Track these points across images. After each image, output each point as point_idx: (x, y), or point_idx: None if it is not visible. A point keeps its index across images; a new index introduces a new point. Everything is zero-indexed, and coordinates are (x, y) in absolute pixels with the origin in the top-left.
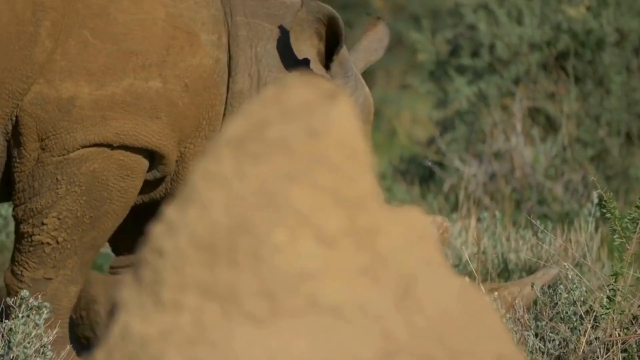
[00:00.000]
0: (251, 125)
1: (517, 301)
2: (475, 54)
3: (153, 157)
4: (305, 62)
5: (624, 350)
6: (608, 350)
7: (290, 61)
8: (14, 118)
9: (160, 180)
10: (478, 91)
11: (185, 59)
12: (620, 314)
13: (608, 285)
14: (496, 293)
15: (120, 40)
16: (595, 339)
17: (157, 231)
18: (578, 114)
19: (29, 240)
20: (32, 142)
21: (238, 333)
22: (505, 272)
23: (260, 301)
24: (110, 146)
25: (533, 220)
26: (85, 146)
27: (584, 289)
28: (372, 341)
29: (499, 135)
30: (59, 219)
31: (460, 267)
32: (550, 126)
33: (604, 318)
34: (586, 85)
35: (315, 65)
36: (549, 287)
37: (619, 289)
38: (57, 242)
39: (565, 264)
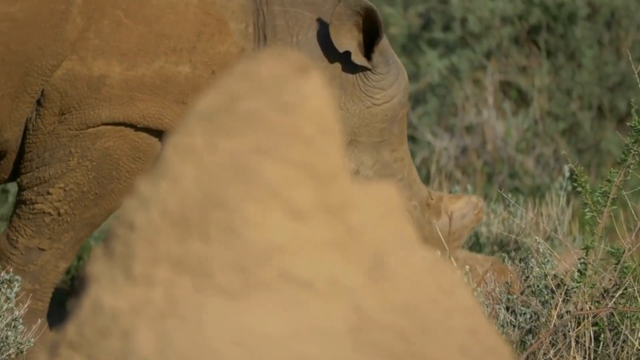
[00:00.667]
0: (223, 99)
1: (487, 275)
2: (447, 27)
3: None
4: (347, 54)
5: (595, 324)
6: (579, 323)
7: (332, 48)
8: (39, 94)
9: None
10: (450, 65)
11: (215, 46)
12: (591, 287)
13: (579, 259)
14: (467, 267)
15: (152, 22)
16: (566, 312)
17: (129, 205)
18: (550, 87)
19: (31, 207)
20: (51, 115)
21: (209, 306)
22: (476, 246)
23: (231, 274)
24: (133, 127)
25: (504, 194)
26: (108, 124)
27: (555, 262)
28: (343, 315)
29: (471, 109)
30: (65, 190)
31: None
32: (522, 100)
33: (575, 292)
34: (558, 59)
35: (357, 57)
36: (520, 260)
37: (590, 263)
38: (59, 214)
39: (537, 237)
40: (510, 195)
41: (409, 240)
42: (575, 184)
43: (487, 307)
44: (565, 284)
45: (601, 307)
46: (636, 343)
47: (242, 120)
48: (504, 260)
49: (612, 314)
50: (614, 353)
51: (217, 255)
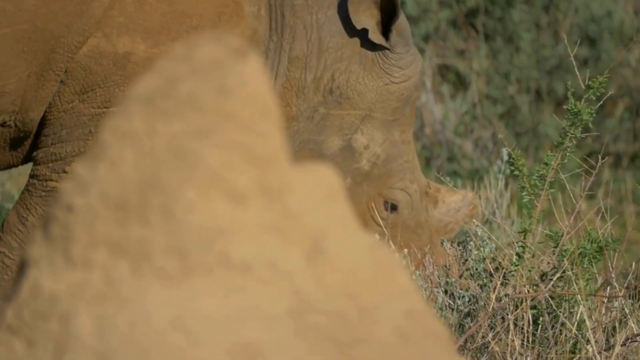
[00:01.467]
0: (162, 82)
1: (426, 258)
2: None
3: None
4: (365, 32)
5: (533, 307)
6: (517, 307)
7: (352, 26)
8: (64, 72)
9: None
10: None
11: (232, 28)
12: (529, 270)
13: (517, 242)
14: (405, 250)
15: (174, 1)
16: (505, 295)
17: (67, 187)
18: (488, 71)
19: (44, 184)
20: (72, 93)
21: (149, 290)
22: None
23: (171, 258)
24: None
25: (442, 178)
26: None
27: (494, 245)
28: (282, 298)
29: None
30: None
31: None
32: (460, 83)
33: (513, 275)
34: (496, 42)
35: (375, 35)
36: (458, 243)
37: (528, 246)
38: None
39: (475, 220)
40: (448, 178)
41: (348, 224)
42: (513, 168)
43: (425, 291)
44: (503, 268)
45: (539, 290)
46: (574, 326)
47: (181, 104)
48: (442, 243)
49: (550, 297)
50: (552, 336)
51: (156, 239)
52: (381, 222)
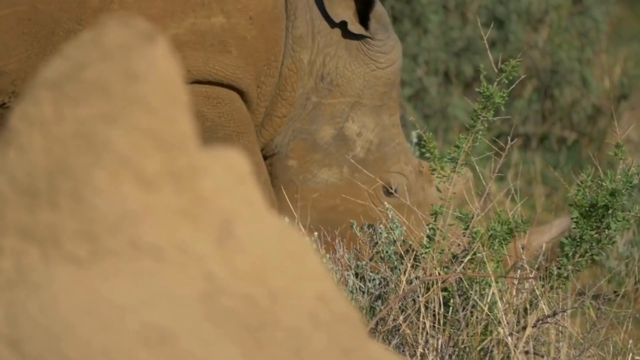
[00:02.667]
0: (69, 67)
1: (336, 241)
2: None
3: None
4: (345, 23)
5: (444, 289)
6: (428, 289)
7: None
8: None
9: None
10: None
11: (247, 1)
12: (440, 253)
13: (428, 225)
14: (316, 233)
15: None
16: (416, 278)
17: None
18: None
19: None
20: None
21: (59, 275)
22: None
23: (81, 243)
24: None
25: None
26: None
27: (404, 228)
28: (192, 282)
29: None
30: None
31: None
32: None
33: (423, 257)
34: (403, 24)
35: (354, 25)
36: (368, 226)
37: (438, 228)
38: None
39: (385, 203)
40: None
41: (257, 207)
42: (424, 150)
43: (336, 274)
44: (414, 250)
45: (450, 272)
46: (485, 308)
47: (89, 89)
48: (352, 226)
49: (461, 279)
50: (464, 318)
51: (66, 224)
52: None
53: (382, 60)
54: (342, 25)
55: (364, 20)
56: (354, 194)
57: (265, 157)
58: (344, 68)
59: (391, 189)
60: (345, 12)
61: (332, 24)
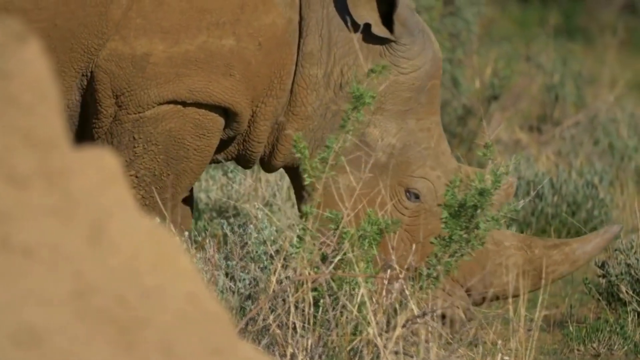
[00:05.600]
0: None
1: (207, 242)
2: None
3: (227, 115)
4: (369, 26)
5: (314, 289)
6: (298, 289)
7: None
8: (88, 74)
9: (232, 139)
10: None
11: (259, 17)
12: (310, 253)
13: (298, 225)
14: (187, 233)
15: None
16: (286, 278)
17: None
18: None
19: None
20: (107, 98)
21: None
22: (195, 212)
23: None
24: (184, 103)
25: (222, 160)
26: (160, 103)
27: (274, 228)
28: (64, 281)
29: None
30: (137, 177)
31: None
32: None
33: (294, 257)
34: None
35: (378, 27)
36: (239, 226)
37: (309, 229)
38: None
39: (255, 203)
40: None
41: (129, 207)
42: (294, 150)
43: (206, 273)
44: (284, 250)
45: (320, 272)
46: (355, 308)
47: None
48: (222, 227)
49: (331, 279)
50: (333, 318)
51: None
52: (405, 212)
53: (404, 66)
54: (366, 28)
55: (389, 23)
56: (374, 198)
57: (290, 168)
58: (363, 76)
59: (414, 193)
60: (370, 14)
61: (353, 32)
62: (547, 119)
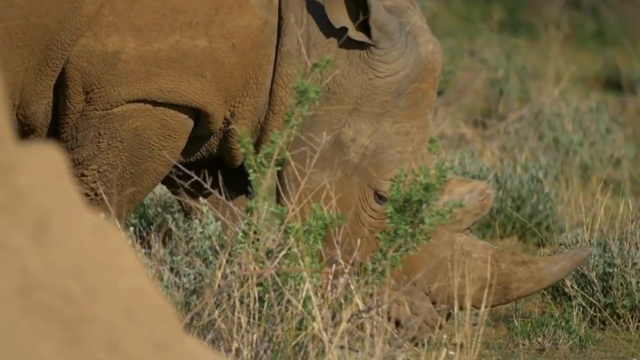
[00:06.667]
0: None
1: (152, 237)
2: None
3: (198, 115)
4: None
5: (259, 284)
6: (243, 284)
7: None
8: (62, 70)
9: (206, 137)
10: None
11: (234, 19)
12: (256, 248)
13: (243, 220)
14: (132, 228)
15: None
16: (231, 273)
17: None
18: None
19: None
20: (77, 94)
21: None
22: (140, 208)
23: None
24: (153, 102)
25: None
26: (129, 101)
27: (219, 223)
28: (8, 277)
29: None
30: (98, 172)
31: None
32: None
33: (239, 252)
34: None
35: (354, 32)
36: (183, 221)
37: (254, 224)
38: (96, 194)
39: (201, 198)
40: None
41: (74, 203)
42: (240, 145)
43: (151, 269)
44: (229, 245)
45: (265, 267)
46: (300, 303)
47: None
48: (167, 222)
49: (276, 274)
50: (279, 313)
51: None
52: (373, 214)
53: (381, 70)
54: (344, 33)
55: (367, 27)
56: (344, 198)
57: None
58: (341, 77)
59: (381, 195)
60: (346, 18)
61: (332, 33)
62: (491, 113)
